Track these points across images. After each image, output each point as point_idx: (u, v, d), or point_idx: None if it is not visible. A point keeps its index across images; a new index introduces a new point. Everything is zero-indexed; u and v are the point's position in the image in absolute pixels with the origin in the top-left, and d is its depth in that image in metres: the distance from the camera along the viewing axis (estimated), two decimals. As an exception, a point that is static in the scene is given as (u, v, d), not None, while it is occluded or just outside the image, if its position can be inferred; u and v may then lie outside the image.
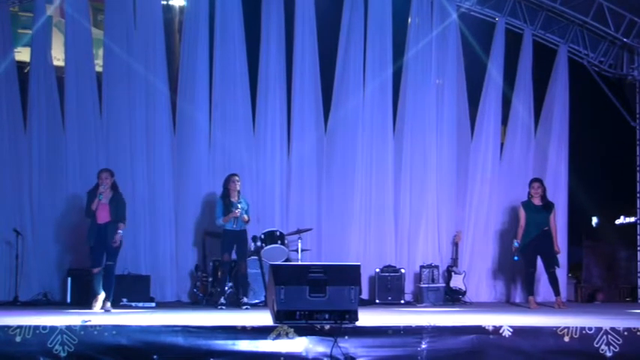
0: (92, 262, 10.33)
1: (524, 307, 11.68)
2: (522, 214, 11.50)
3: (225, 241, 11.15)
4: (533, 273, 11.56)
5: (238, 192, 11.22)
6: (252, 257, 11.57)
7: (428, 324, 7.67)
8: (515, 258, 11.56)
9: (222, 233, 11.17)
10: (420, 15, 13.05)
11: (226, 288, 11.15)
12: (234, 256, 11.20)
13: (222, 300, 10.99)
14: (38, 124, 12.18)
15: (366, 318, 8.04)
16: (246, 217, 11.10)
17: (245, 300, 11.01)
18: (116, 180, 10.49)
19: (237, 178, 11.27)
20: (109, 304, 10.17)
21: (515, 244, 11.37)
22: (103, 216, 10.29)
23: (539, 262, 11.46)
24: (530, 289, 11.59)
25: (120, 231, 10.27)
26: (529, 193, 11.60)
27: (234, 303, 11.01)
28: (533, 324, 7.94)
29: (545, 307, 11.46)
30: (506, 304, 12.50)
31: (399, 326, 7.65)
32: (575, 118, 13.26)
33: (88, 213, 10.35)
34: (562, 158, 13.23)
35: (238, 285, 11.17)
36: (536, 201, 11.53)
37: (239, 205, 11.02)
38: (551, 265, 11.38)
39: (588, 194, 13.21)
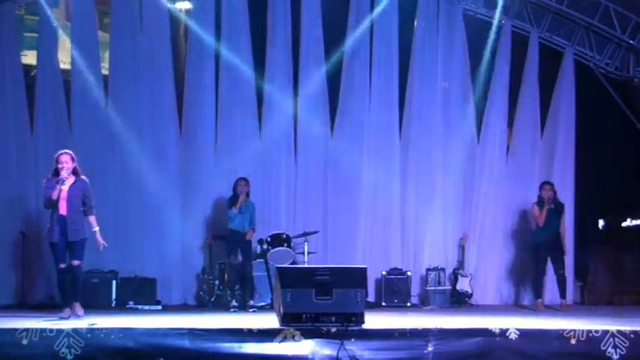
0: (56, 259, 9.17)
1: (531, 309, 11.66)
2: (537, 211, 11.45)
3: (230, 242, 11.21)
4: (544, 275, 11.55)
5: (247, 195, 11.27)
6: (258, 260, 11.60)
7: (434, 327, 7.67)
8: None
9: (228, 234, 11.24)
10: (425, 18, 13.04)
11: (236, 291, 11.21)
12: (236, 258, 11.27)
13: (234, 302, 11.03)
14: (45, 127, 12.21)
15: (373, 321, 8.06)
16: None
17: (252, 302, 11.03)
18: (78, 166, 9.28)
19: (243, 182, 11.32)
20: (79, 309, 9.21)
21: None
22: (65, 206, 9.09)
23: (549, 264, 11.48)
24: (539, 291, 11.57)
25: (97, 230, 9.28)
26: (540, 196, 11.58)
27: (241, 305, 11.06)
28: (540, 327, 7.94)
29: (551, 309, 11.44)
30: (513, 306, 12.46)
31: (406, 329, 7.67)
32: (582, 120, 13.22)
33: (48, 204, 9.11)
34: (568, 161, 13.20)
35: (245, 287, 11.19)
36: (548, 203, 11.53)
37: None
38: (560, 266, 11.41)
39: (595, 197, 13.17)
